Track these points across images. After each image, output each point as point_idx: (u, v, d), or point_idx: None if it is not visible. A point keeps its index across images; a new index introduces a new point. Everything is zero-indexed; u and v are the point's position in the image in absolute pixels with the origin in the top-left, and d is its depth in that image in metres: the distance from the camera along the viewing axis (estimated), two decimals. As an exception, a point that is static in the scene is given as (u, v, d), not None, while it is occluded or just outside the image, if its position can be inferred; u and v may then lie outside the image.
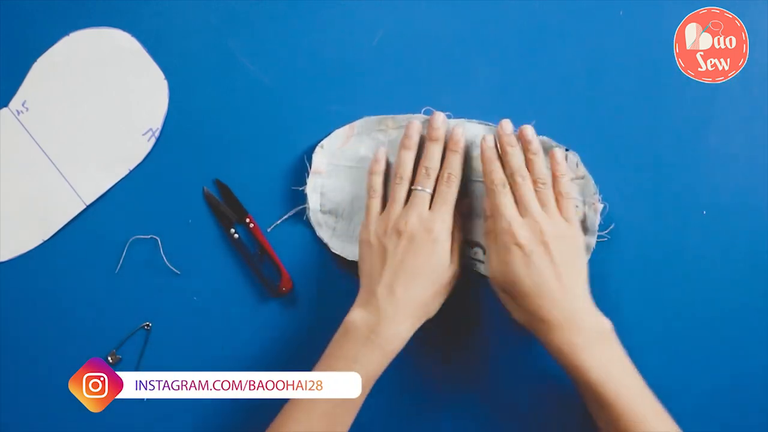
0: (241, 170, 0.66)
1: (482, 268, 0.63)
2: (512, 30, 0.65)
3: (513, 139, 0.60)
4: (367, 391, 0.56)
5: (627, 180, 0.64)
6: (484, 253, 0.62)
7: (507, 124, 0.61)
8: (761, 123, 0.64)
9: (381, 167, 0.62)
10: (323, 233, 0.64)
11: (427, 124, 0.62)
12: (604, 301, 0.63)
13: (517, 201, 0.58)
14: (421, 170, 0.60)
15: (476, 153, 0.62)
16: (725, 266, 0.64)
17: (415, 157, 0.61)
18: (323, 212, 0.65)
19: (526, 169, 0.59)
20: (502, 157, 0.60)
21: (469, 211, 0.63)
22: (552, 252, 0.56)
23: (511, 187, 0.59)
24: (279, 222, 0.65)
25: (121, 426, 0.65)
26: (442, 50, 0.65)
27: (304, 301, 0.65)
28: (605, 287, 0.64)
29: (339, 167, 0.64)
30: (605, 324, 0.56)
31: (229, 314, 0.65)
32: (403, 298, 0.56)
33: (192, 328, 0.65)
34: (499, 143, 0.61)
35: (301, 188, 0.64)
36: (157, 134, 0.66)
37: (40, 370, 0.65)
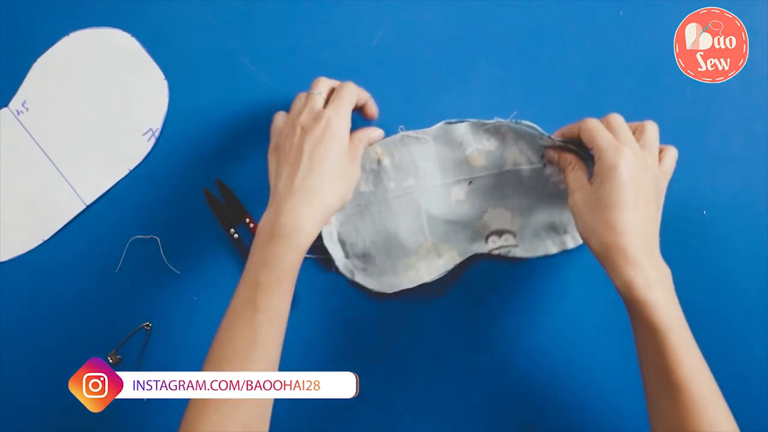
0: (241, 170, 0.66)
1: (518, 251, 0.63)
2: (512, 30, 0.65)
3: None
4: (288, 287, 0.54)
5: (627, 180, 0.64)
6: (515, 236, 0.63)
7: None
8: (761, 123, 0.64)
9: (320, 88, 0.59)
10: (359, 278, 0.64)
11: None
12: (605, 301, 0.64)
13: (615, 134, 0.56)
14: (318, 80, 0.59)
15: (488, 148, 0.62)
16: (725, 266, 0.64)
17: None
18: (350, 257, 0.65)
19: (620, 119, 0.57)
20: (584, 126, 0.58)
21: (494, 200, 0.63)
22: (648, 180, 0.55)
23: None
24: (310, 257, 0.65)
25: (121, 426, 0.65)
26: (442, 50, 0.66)
27: (303, 301, 0.65)
28: (604, 287, 0.64)
29: (345, 213, 0.64)
30: (669, 271, 0.55)
31: (229, 314, 0.65)
32: (301, 187, 0.54)
33: (192, 328, 0.65)
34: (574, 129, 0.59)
35: (318, 243, 0.64)
36: (157, 134, 0.66)
37: (40, 370, 0.65)
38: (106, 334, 0.65)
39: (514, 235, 0.64)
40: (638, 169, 0.54)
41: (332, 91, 0.59)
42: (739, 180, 0.64)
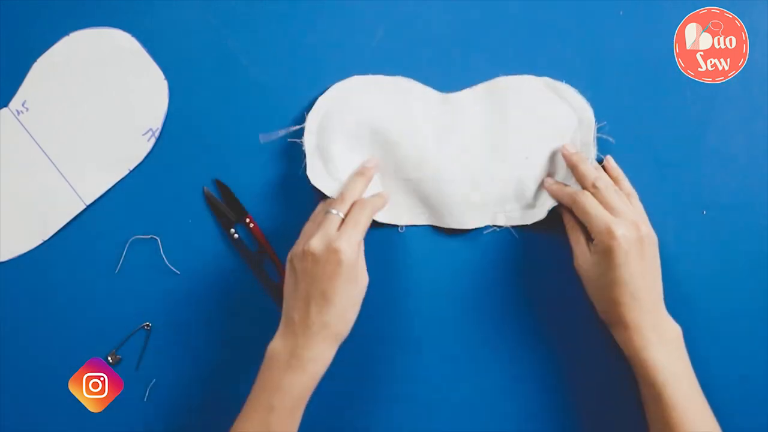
0: (241, 170, 0.66)
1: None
2: (512, 30, 0.65)
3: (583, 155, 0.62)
4: (299, 413, 0.56)
5: (627, 180, 0.64)
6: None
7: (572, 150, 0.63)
8: (761, 123, 0.64)
9: (340, 206, 0.60)
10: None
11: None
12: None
13: (605, 204, 0.58)
14: (338, 196, 0.61)
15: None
16: (725, 266, 0.64)
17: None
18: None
19: (605, 177, 0.61)
20: (575, 168, 0.61)
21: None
22: (645, 251, 0.57)
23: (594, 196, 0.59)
24: (275, 137, 0.65)
25: (121, 426, 0.65)
26: (442, 51, 0.65)
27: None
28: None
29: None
30: (677, 329, 0.58)
31: (229, 314, 0.65)
32: (317, 322, 0.56)
33: (192, 328, 0.65)
34: (571, 159, 0.62)
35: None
36: (157, 134, 0.66)
37: (40, 370, 0.65)
38: (106, 334, 0.65)
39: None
40: (633, 244, 0.56)
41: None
42: (739, 180, 0.64)
